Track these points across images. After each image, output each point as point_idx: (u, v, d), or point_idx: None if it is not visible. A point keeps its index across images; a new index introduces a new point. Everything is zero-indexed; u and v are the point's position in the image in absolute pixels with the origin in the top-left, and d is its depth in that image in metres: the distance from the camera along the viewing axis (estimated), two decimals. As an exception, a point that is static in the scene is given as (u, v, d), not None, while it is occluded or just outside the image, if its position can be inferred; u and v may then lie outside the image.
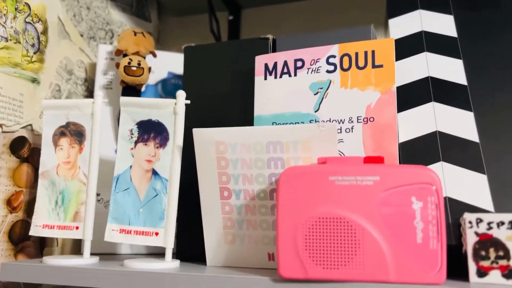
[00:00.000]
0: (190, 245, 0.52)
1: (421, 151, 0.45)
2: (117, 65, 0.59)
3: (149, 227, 0.47)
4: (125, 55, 0.59)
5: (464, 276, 0.37)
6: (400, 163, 0.44)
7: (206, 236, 0.46)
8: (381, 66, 0.45)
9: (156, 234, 0.46)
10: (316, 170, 0.37)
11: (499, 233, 0.36)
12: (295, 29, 0.80)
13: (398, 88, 0.50)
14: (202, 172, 0.44)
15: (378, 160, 0.38)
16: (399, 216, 0.36)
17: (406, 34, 0.55)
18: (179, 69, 0.66)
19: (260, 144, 0.42)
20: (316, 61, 0.47)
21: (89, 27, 0.69)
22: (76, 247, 0.62)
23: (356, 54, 0.46)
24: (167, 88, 0.65)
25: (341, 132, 0.45)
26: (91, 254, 0.50)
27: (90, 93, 0.68)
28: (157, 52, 0.64)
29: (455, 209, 0.41)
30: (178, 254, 0.52)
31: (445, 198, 0.42)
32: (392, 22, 0.57)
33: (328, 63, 0.47)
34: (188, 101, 0.48)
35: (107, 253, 0.58)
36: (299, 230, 0.37)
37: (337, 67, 0.46)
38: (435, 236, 0.35)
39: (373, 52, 0.45)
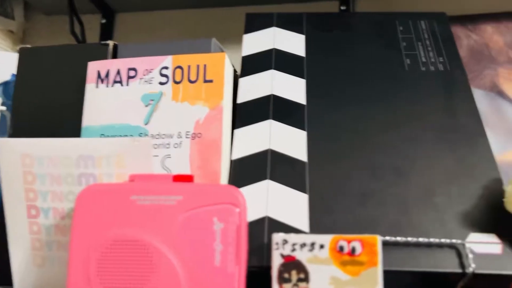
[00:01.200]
0: None
1: (251, 168, 0.44)
2: None
3: None
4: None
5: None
6: (229, 181, 0.43)
7: (13, 258, 0.41)
8: (211, 81, 0.44)
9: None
10: (118, 188, 0.35)
11: (301, 255, 0.35)
12: (171, 36, 0.78)
13: (241, 104, 0.49)
14: (7, 188, 0.40)
15: (187, 178, 0.36)
16: (199, 237, 0.34)
17: (257, 50, 0.55)
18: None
19: (70, 157, 0.39)
20: (149, 72, 0.45)
21: None
22: None
23: (189, 67, 0.44)
24: (9, 91, 0.59)
25: (169, 147, 0.43)
26: None
27: None
28: (0, 53, 0.58)
29: (273, 229, 0.40)
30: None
31: (265, 217, 0.41)
32: (246, 37, 0.56)
33: (161, 74, 0.45)
34: (4, 108, 0.43)
35: None
36: (92, 254, 0.33)
37: (170, 79, 0.44)
38: (233, 259, 0.34)
39: (205, 66, 0.44)
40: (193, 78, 0.44)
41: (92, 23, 0.78)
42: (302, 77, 0.52)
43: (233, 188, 0.35)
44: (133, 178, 0.37)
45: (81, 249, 0.34)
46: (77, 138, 0.38)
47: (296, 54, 0.54)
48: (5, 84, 0.59)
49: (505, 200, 0.37)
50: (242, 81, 0.51)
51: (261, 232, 0.40)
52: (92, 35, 0.78)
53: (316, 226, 0.40)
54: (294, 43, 0.55)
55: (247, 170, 0.44)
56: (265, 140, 0.46)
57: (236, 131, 0.47)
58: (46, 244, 0.40)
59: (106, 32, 0.79)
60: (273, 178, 0.43)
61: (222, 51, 0.52)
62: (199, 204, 0.34)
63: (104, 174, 0.39)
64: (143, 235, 0.34)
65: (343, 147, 0.45)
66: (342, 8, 0.72)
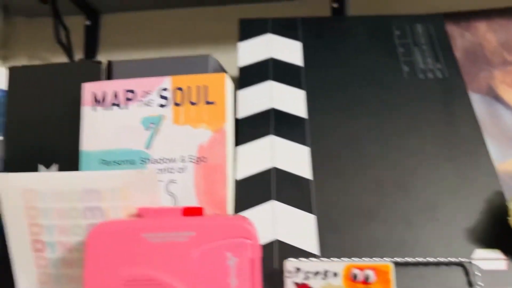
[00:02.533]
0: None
1: (256, 189, 0.44)
2: None
3: (-51, 286, 0.40)
4: None
5: (286, 325, 0.37)
6: (235, 203, 0.43)
7: (20, 292, 0.40)
8: (213, 103, 0.43)
9: (-43, 294, 0.40)
10: (128, 226, 0.34)
11: (315, 283, 0.36)
12: (159, 37, 0.75)
13: (242, 120, 0.48)
14: (10, 222, 0.39)
15: (197, 211, 0.36)
16: (213, 273, 0.34)
17: (254, 60, 0.54)
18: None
19: (74, 192, 0.38)
20: (148, 94, 0.44)
21: None
22: None
23: (189, 88, 0.43)
24: (-3, 108, 0.57)
25: (173, 172, 0.42)
26: None
27: None
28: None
29: (283, 253, 0.40)
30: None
31: (273, 241, 0.41)
32: (241, 45, 0.55)
33: (160, 96, 0.44)
34: (0, 138, 0.42)
35: None
36: (106, 295, 0.33)
37: (170, 102, 0.43)
38: (249, 294, 0.34)
39: (206, 88, 0.43)
40: (194, 100, 0.43)
41: (76, 25, 0.75)
42: (301, 88, 0.51)
43: (244, 220, 0.35)
44: (142, 212, 0.36)
45: (94, 291, 0.33)
46: (80, 172, 0.38)
47: (293, 63, 0.53)
48: (-7, 100, 0.57)
49: (509, 218, 0.38)
50: (240, 94, 0.50)
51: (271, 255, 0.40)
52: (76, 38, 0.75)
53: (326, 248, 0.40)
54: (290, 51, 0.54)
55: (251, 191, 0.44)
56: (268, 157, 0.46)
57: (239, 148, 0.46)
58: (55, 277, 0.40)
59: (91, 34, 0.76)
60: (279, 199, 0.43)
61: (220, 65, 0.51)
62: (212, 239, 0.34)
63: (110, 207, 0.38)
64: (157, 273, 0.33)
65: (346, 162, 0.45)
66: (334, 5, 0.71)
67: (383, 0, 0.71)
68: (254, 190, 0.44)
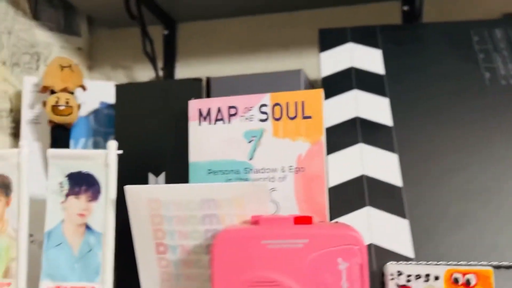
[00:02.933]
0: (129, 290, 0.52)
1: (349, 195, 0.47)
2: (44, 103, 0.56)
3: (85, 282, 0.46)
4: (52, 92, 0.57)
5: (387, 322, 0.41)
6: (330, 209, 0.47)
7: (144, 288, 0.46)
8: (310, 117, 0.46)
9: (93, 289, 0.46)
10: (249, 234, 0.38)
11: (417, 285, 0.39)
12: (233, 44, 0.79)
13: (328, 129, 0.51)
14: (136, 227, 0.44)
15: (307, 220, 0.40)
16: (327, 277, 0.38)
17: (336, 70, 0.57)
18: (112, 99, 0.64)
19: (194, 201, 0.43)
20: (249, 109, 0.48)
21: (11, 53, 0.65)
22: None
23: (287, 104, 0.47)
24: (99, 120, 0.63)
25: (274, 181, 0.47)
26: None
27: (17, 125, 0.64)
28: (88, 82, 0.62)
29: (380, 256, 0.44)
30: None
31: (370, 245, 0.44)
32: (323, 56, 0.58)
33: (260, 112, 0.48)
34: (121, 151, 0.47)
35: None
36: (234, 295, 0.38)
37: (269, 117, 0.47)
38: (359, 295, 0.38)
39: (302, 103, 0.47)
40: (291, 115, 0.47)
41: (154, 35, 0.81)
42: (384, 96, 0.54)
43: (351, 229, 0.39)
44: (256, 220, 0.41)
45: (223, 291, 0.38)
46: (199, 184, 0.42)
47: (375, 72, 0.56)
48: (96, 112, 0.63)
49: None
50: (326, 103, 0.53)
51: (369, 259, 0.43)
52: (156, 47, 0.80)
53: (420, 252, 0.43)
54: (371, 59, 0.57)
55: (345, 198, 0.47)
56: (358, 165, 0.49)
57: (329, 157, 0.50)
58: (175, 276, 0.45)
59: (169, 43, 0.81)
60: (373, 204, 0.47)
61: (307, 77, 0.55)
62: (324, 246, 0.38)
63: (226, 215, 0.43)
64: (277, 276, 0.38)
65: (434, 168, 0.48)
66: (405, 8, 0.72)
67: (454, 2, 0.72)
68: (346, 196, 0.47)
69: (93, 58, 0.85)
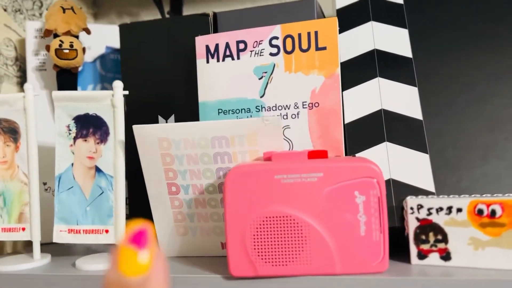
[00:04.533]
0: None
1: (367, 131, 0.45)
2: (48, 48, 0.54)
3: (98, 225, 0.46)
4: (55, 35, 0.55)
5: (406, 257, 0.39)
6: (346, 145, 0.45)
7: (158, 229, 0.45)
8: (324, 48, 0.44)
9: (106, 231, 0.45)
10: (261, 169, 0.37)
11: (438, 219, 0.37)
12: (241, -14, 0.75)
13: (343, 63, 0.49)
14: (147, 168, 0.43)
15: (322, 154, 0.38)
16: (343, 210, 0.36)
17: (351, 0, 0.53)
18: (118, 43, 0.62)
19: (205, 139, 0.41)
20: (259, 43, 0.45)
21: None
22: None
23: (299, 35, 0.44)
24: (106, 65, 0.61)
25: (287, 118, 0.45)
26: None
27: (23, 73, 0.63)
28: (92, 26, 0.59)
29: (399, 191, 0.42)
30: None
31: (389, 180, 0.43)
32: (337, -13, 0.54)
33: (271, 45, 0.45)
34: (127, 92, 0.46)
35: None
36: (247, 230, 0.37)
37: (281, 50, 0.45)
38: (377, 228, 0.36)
39: (316, 33, 0.44)
40: (304, 46, 0.44)
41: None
42: (403, 27, 0.50)
43: (368, 161, 0.37)
44: (269, 156, 0.39)
45: (236, 226, 0.37)
46: (210, 122, 0.40)
47: (393, 1, 0.52)
48: (102, 57, 0.61)
49: None
50: (341, 37, 0.50)
51: (388, 194, 0.42)
52: (162, -8, 0.77)
53: (442, 187, 0.41)
54: (389, -11, 0.53)
55: (362, 133, 0.45)
56: (376, 100, 0.46)
57: (345, 93, 0.47)
58: (188, 216, 0.44)
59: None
60: (391, 140, 0.44)
61: (320, 8, 0.51)
62: (340, 179, 0.36)
63: (238, 152, 0.41)
64: (291, 210, 0.36)
65: (457, 100, 0.45)
66: None
67: None
68: (364, 132, 0.45)
69: (98, 5, 0.82)
